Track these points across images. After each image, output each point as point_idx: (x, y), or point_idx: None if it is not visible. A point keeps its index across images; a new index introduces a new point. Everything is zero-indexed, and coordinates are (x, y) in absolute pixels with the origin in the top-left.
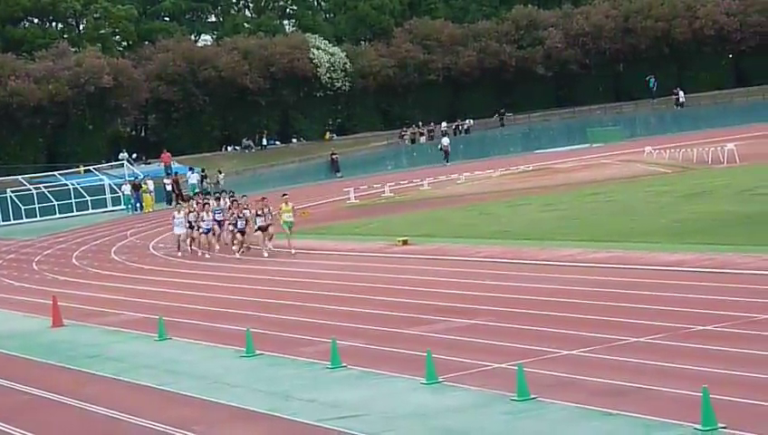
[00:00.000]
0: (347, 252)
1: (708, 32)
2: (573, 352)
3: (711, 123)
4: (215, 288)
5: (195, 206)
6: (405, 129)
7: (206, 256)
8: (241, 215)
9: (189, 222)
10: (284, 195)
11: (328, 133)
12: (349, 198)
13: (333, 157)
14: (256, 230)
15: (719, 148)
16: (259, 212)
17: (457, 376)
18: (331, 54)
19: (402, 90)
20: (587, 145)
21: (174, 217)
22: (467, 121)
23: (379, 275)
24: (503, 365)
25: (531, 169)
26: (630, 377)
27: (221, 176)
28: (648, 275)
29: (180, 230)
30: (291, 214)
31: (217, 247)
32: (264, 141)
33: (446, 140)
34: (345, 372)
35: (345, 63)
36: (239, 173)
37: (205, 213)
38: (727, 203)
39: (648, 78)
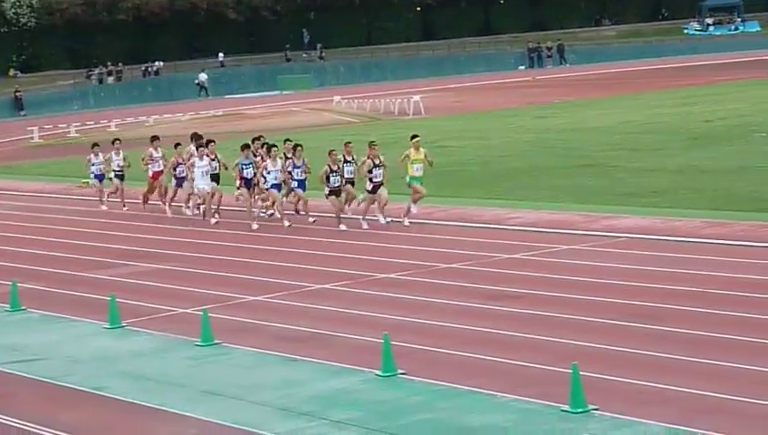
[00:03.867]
0: (33, 193)
1: None
2: (258, 298)
3: (399, 75)
4: None
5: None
6: (92, 68)
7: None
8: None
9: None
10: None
11: (12, 70)
12: (33, 138)
13: (17, 94)
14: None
15: (406, 100)
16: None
17: (141, 321)
18: None
19: (90, 28)
20: (277, 92)
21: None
22: (156, 63)
23: (66, 217)
24: (188, 310)
25: (221, 113)
26: (313, 323)
27: None
28: (331, 223)
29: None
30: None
31: None
32: None
33: (203, 76)
34: (25, 316)
35: None
36: None
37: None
38: None
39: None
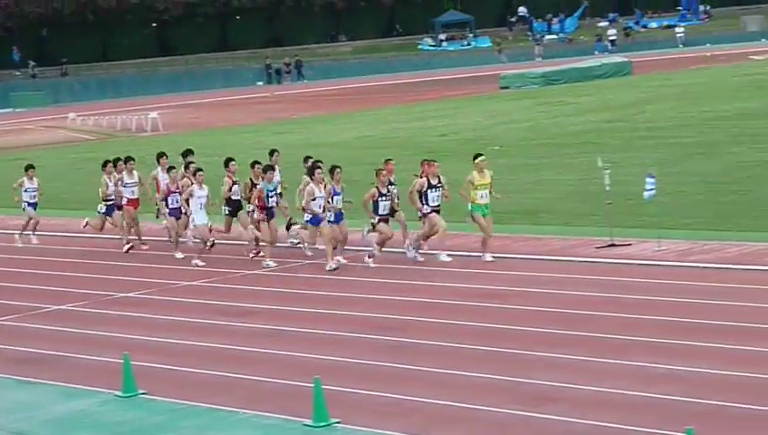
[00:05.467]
0: None
1: (133, 0)
2: None
3: (136, 91)
4: None
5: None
6: None
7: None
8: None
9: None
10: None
11: None
12: None
13: None
14: None
15: (143, 116)
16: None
17: None
18: None
19: None
20: (10, 109)
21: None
22: None
23: None
24: None
25: None
26: (50, 345)
27: None
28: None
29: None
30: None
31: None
32: None
33: None
34: None
35: None
36: None
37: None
38: (151, 171)
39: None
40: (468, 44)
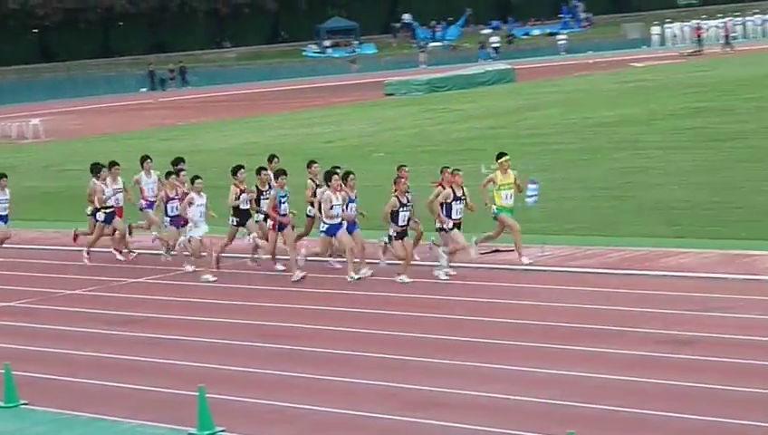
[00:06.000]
0: None
1: (13, 6)
2: None
3: (17, 98)
4: None
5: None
6: None
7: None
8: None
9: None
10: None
11: None
12: None
13: None
14: None
15: (24, 123)
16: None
17: None
18: None
19: None
20: None
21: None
22: None
23: None
24: None
25: None
26: None
27: None
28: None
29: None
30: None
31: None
32: None
33: None
34: None
35: None
36: None
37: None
38: (32, 179)
39: None
40: (353, 51)
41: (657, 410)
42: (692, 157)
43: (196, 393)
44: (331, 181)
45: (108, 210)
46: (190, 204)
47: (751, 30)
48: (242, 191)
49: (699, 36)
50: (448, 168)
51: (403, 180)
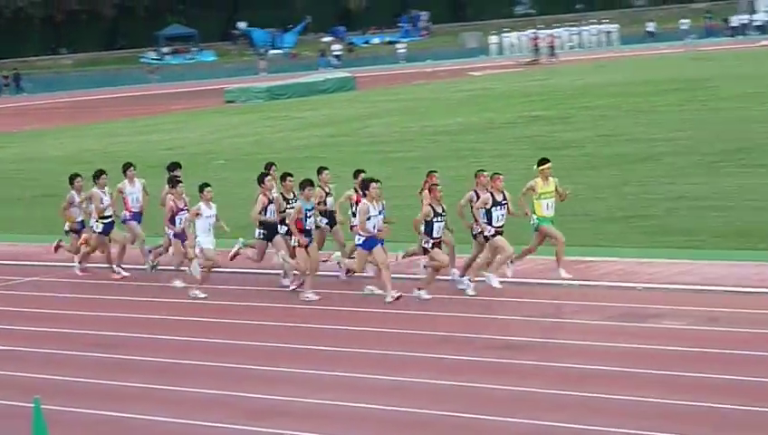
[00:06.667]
0: None
1: None
2: None
3: None
4: None
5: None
6: None
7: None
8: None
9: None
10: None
11: None
12: None
13: None
14: None
15: None
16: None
17: None
18: None
19: None
20: None
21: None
22: None
23: None
24: None
25: None
26: None
27: None
28: None
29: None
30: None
31: None
32: None
33: None
34: None
35: None
36: None
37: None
38: None
39: None
40: (192, 58)
41: (490, 416)
42: (529, 165)
43: (32, 405)
44: (369, 190)
45: (106, 220)
46: (197, 215)
47: (587, 40)
48: (269, 201)
49: (536, 46)
50: (484, 171)
51: (439, 189)
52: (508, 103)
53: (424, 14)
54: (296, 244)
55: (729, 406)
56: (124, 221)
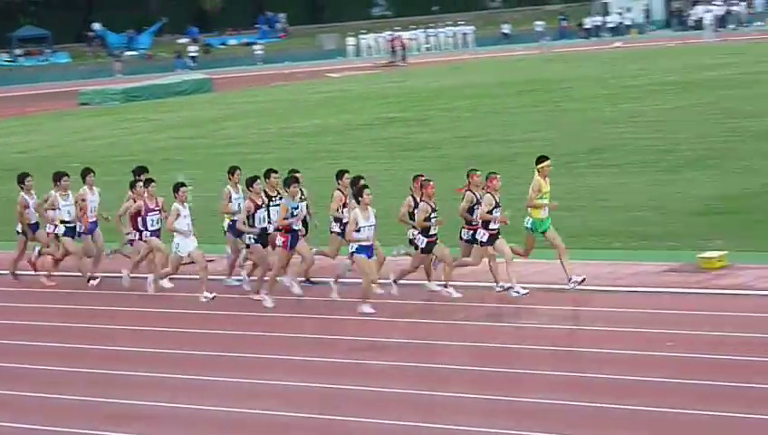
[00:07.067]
0: None
1: None
2: None
3: None
4: None
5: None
6: None
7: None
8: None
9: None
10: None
11: None
12: None
13: None
14: None
15: None
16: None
17: None
18: None
19: None
20: None
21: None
22: None
23: None
24: None
25: None
26: None
27: None
28: None
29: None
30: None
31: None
32: None
33: None
34: None
35: None
36: None
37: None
38: None
39: None
40: (46, 60)
41: (357, 417)
42: (386, 167)
43: None
44: (362, 197)
45: (68, 224)
46: (177, 215)
47: (443, 42)
48: (257, 206)
49: (393, 47)
50: (476, 170)
51: (431, 185)
52: (365, 105)
53: (281, 16)
54: (280, 244)
55: (579, 403)
56: (80, 234)
